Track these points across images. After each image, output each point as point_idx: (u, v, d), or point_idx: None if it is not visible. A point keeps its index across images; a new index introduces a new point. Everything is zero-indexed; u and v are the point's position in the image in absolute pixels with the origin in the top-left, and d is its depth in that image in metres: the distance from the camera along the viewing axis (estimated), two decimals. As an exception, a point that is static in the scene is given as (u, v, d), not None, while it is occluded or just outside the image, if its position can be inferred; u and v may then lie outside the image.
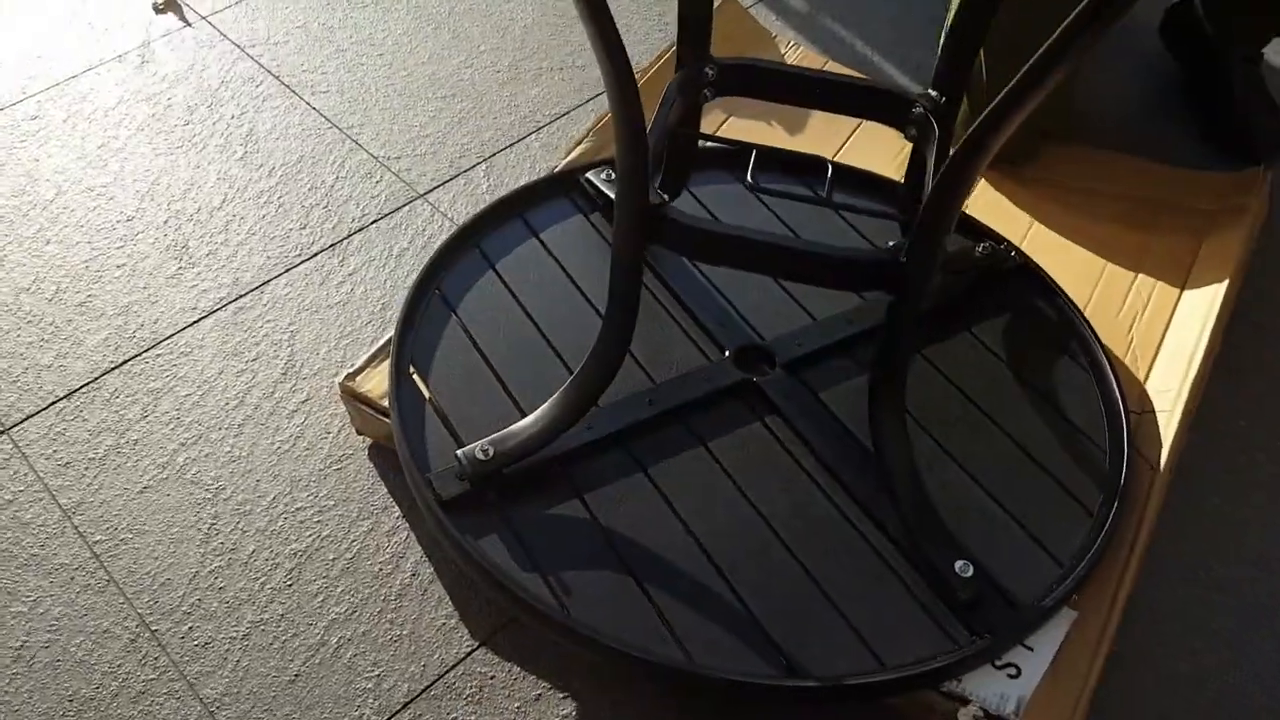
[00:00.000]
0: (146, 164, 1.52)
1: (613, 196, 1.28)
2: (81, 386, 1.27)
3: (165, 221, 1.45)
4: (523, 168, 1.53)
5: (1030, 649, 0.99)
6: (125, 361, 1.30)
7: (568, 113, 1.61)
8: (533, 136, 1.57)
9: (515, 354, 1.17)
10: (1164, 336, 1.27)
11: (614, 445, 1.10)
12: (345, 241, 1.43)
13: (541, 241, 1.29)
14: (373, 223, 1.46)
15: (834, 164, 1.12)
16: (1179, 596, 1.12)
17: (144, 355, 1.30)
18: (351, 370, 1.19)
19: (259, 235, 1.43)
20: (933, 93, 1.14)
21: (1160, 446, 1.16)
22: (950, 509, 1.06)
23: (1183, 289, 1.31)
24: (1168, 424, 1.17)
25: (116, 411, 1.25)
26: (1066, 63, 0.78)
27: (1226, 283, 1.28)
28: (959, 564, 0.99)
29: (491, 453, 1.02)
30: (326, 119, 1.59)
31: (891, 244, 0.94)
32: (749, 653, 0.95)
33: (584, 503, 1.05)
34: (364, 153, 1.55)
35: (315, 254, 1.42)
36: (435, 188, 1.50)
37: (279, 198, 1.48)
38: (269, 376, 1.28)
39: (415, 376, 1.14)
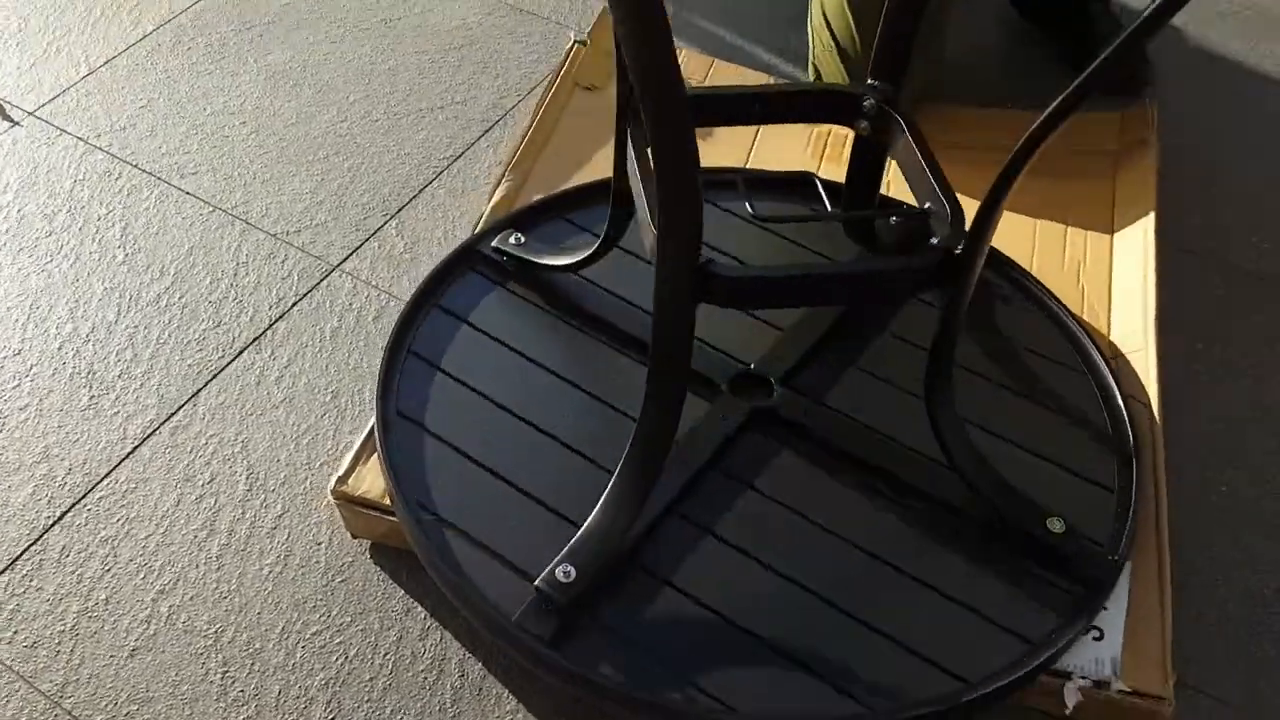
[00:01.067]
0: (17, 287, 1.35)
1: (531, 259, 1.24)
2: (23, 553, 1.13)
3: (59, 349, 1.29)
4: (435, 219, 1.45)
5: (1106, 608, 1.02)
6: (64, 514, 1.16)
7: (463, 153, 1.53)
8: (435, 183, 1.49)
9: (510, 451, 1.10)
10: (1111, 280, 1.33)
11: (666, 516, 1.05)
12: (269, 332, 1.32)
13: (472, 325, 1.21)
14: (293, 306, 1.35)
15: (820, 178, 1.10)
16: (1207, 514, 1.17)
17: (83, 502, 1.16)
18: (340, 475, 1.10)
19: (170, 344, 1.30)
20: (876, 83, 1.14)
21: (1145, 385, 1.21)
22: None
23: (1113, 231, 1.37)
24: (1144, 363, 1.23)
25: (72, 571, 1.11)
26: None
27: (1153, 215, 1.35)
28: (1051, 521, 1.02)
29: (573, 573, 0.96)
30: (206, 202, 1.46)
31: (935, 241, 0.93)
32: (912, 681, 0.95)
33: (672, 585, 1.01)
34: (259, 232, 1.43)
35: (240, 352, 1.30)
36: (348, 256, 1.41)
37: (180, 298, 1.35)
38: (233, 496, 1.17)
39: (428, 513, 1.05)
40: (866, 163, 1.20)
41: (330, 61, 1.66)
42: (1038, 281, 1.29)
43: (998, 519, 1.05)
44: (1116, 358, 1.24)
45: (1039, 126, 0.88)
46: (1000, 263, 1.31)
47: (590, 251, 1.18)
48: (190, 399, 1.25)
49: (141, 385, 1.26)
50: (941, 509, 1.06)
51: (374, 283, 1.38)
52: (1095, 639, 1.00)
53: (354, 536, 1.14)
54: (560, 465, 1.09)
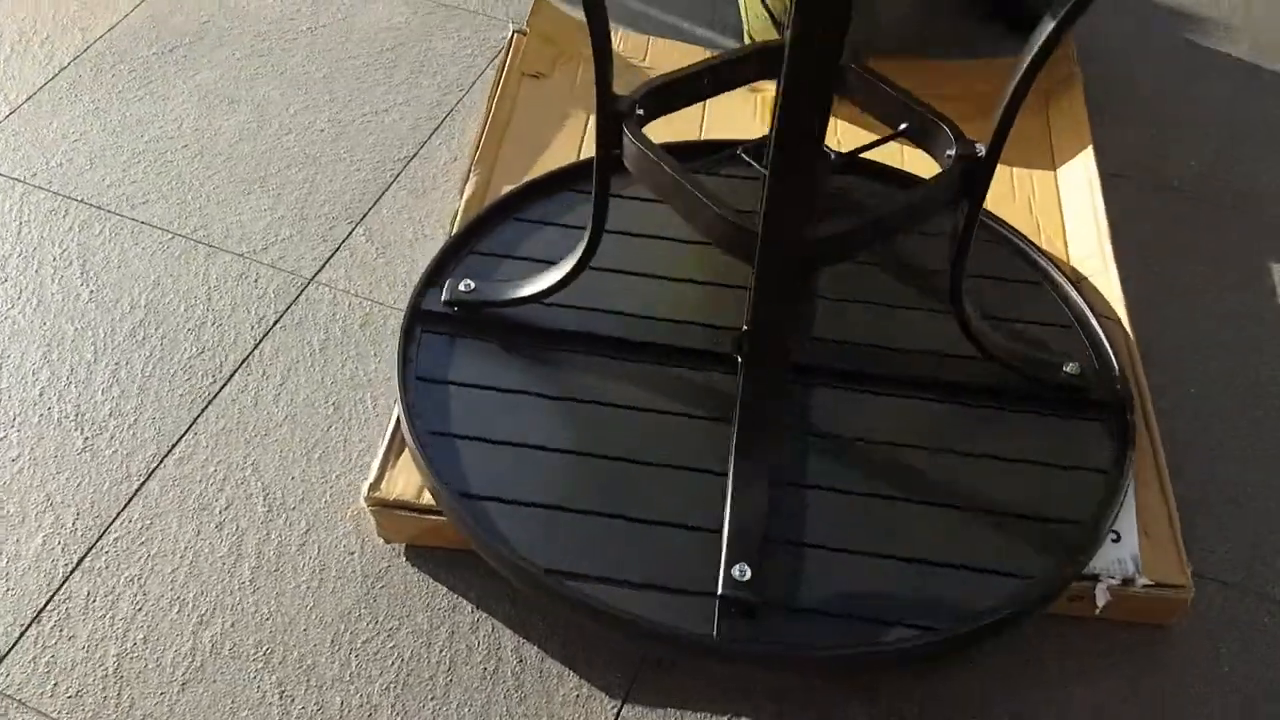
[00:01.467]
0: (-17, 337, 1.31)
1: (491, 298, 1.20)
2: (46, 603, 1.10)
3: (40, 395, 1.26)
4: (402, 221, 1.44)
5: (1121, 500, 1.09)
6: (81, 559, 1.13)
7: (417, 152, 1.53)
8: (395, 185, 1.49)
9: (562, 483, 1.09)
10: (1062, 209, 1.40)
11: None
12: (256, 353, 1.30)
13: (461, 384, 1.16)
14: (275, 324, 1.33)
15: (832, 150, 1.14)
16: (1185, 406, 1.26)
17: (99, 545, 1.14)
18: (371, 481, 1.10)
19: (156, 376, 1.28)
20: None
21: (1112, 304, 1.29)
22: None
23: (1055, 165, 1.45)
24: (1107, 283, 1.31)
25: (103, 615, 1.09)
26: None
27: (1090, 146, 1.43)
28: (1069, 367, 1.15)
29: (748, 571, 0.99)
30: (163, 230, 1.43)
31: (952, 153, 0.98)
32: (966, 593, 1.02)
33: (812, 546, 1.05)
34: (224, 254, 1.40)
35: (230, 376, 1.28)
36: (321, 267, 1.39)
37: (157, 329, 1.32)
38: (254, 519, 1.16)
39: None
40: None
41: (262, 75, 1.63)
42: (997, 217, 1.35)
43: (1031, 379, 1.16)
44: (1081, 281, 1.31)
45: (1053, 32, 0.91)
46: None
47: (566, 273, 1.15)
48: (189, 428, 1.23)
49: (135, 421, 1.24)
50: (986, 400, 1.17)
51: (353, 291, 1.37)
52: (1114, 541, 1.07)
53: (387, 541, 1.15)
54: (611, 475, 1.10)
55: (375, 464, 1.12)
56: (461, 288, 1.20)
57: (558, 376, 1.16)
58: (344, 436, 1.23)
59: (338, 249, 1.42)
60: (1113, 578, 1.04)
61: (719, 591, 0.98)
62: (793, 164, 0.85)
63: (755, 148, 1.31)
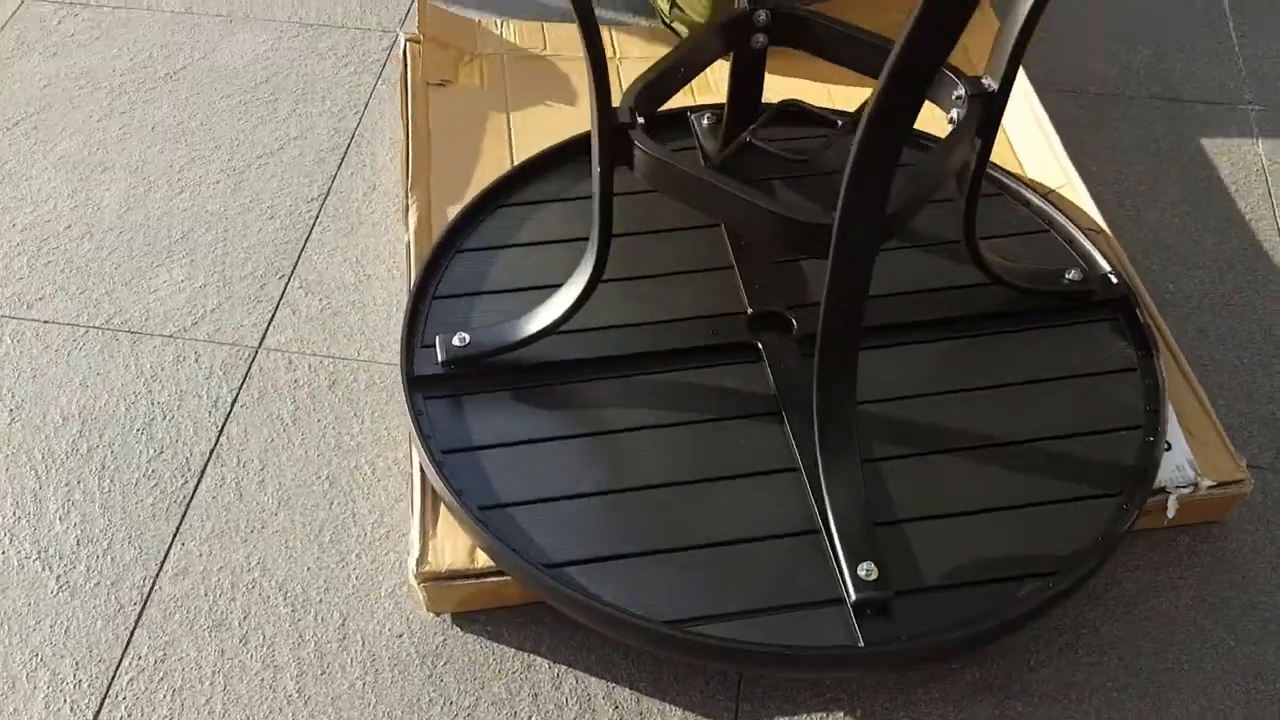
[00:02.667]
0: (-100, 489, 1.14)
1: (492, 347, 1.11)
2: (74, 773, 0.97)
3: (-12, 538, 1.10)
4: (337, 264, 1.33)
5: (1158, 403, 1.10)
6: (96, 713, 0.99)
7: (330, 188, 1.41)
8: (318, 227, 1.36)
9: (605, 528, 1.03)
10: (1008, 134, 1.40)
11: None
12: (222, 440, 1.18)
13: (490, 447, 1.07)
14: (234, 403, 1.21)
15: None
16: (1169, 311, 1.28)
17: (114, 693, 1.01)
18: (417, 557, 1.01)
19: (116, 490, 1.14)
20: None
21: (1084, 212, 1.30)
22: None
23: (987, 85, 1.45)
24: (1074, 194, 1.32)
25: (144, 770, 0.97)
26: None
27: (1020, 70, 1.43)
28: (1070, 274, 1.17)
29: (874, 569, 0.95)
30: (73, 325, 1.27)
31: (962, 94, 0.97)
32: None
33: (908, 520, 1.02)
34: (151, 338, 1.26)
35: (202, 471, 1.15)
36: (265, 332, 1.27)
37: (101, 438, 1.18)
38: (280, 624, 1.05)
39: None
40: (750, 80, 1.20)
41: (131, 134, 1.47)
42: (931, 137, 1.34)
43: (1039, 295, 1.17)
44: (1050, 193, 1.32)
45: None
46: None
47: (574, 301, 1.07)
48: (174, 539, 1.10)
49: (109, 545, 1.10)
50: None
51: (308, 351, 1.25)
52: (1167, 450, 1.08)
53: (436, 614, 1.06)
54: (679, 504, 1.03)
55: (413, 537, 1.03)
56: (456, 342, 1.10)
57: (583, 412, 1.09)
58: (350, 511, 1.13)
59: (276, 309, 1.29)
60: (1180, 487, 1.05)
61: (852, 597, 0.93)
62: (879, 166, 0.81)
63: (720, 117, 1.27)
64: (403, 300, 1.29)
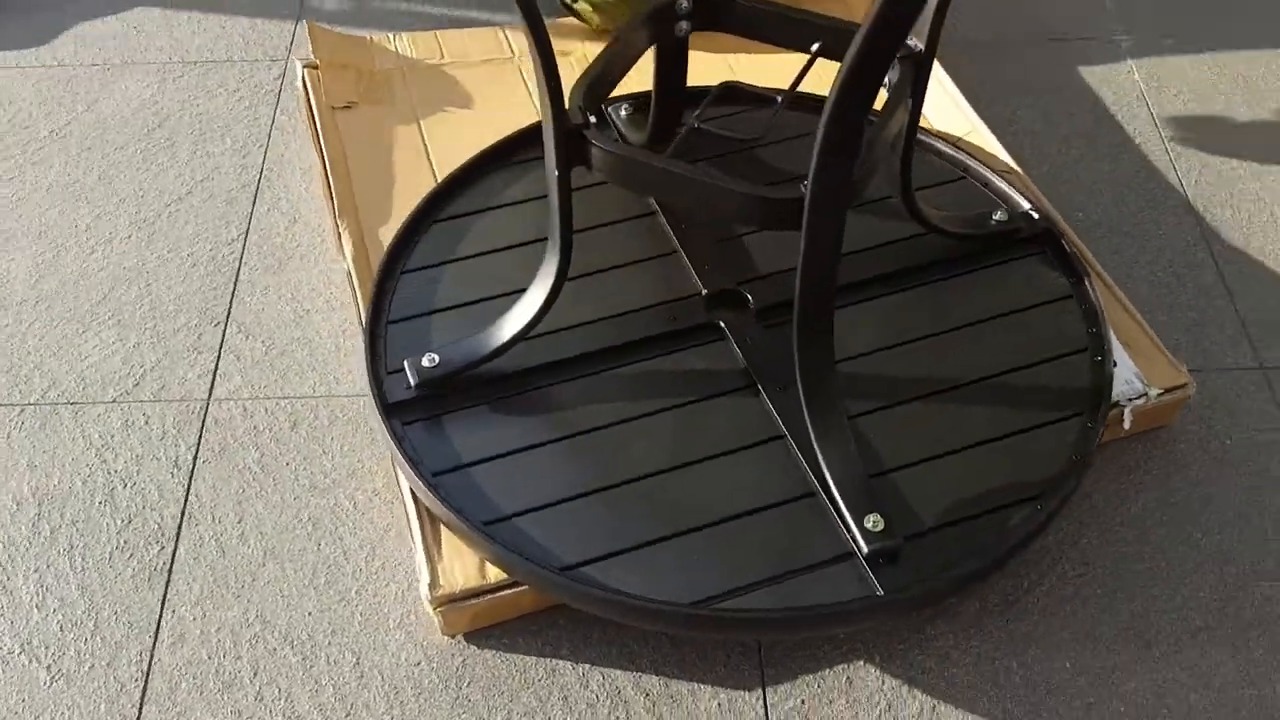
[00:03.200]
0: None
1: (463, 364, 1.10)
2: None
3: (-37, 638, 1.05)
4: (273, 303, 1.30)
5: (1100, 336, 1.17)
6: (121, 797, 0.97)
7: (249, 226, 1.37)
8: (244, 269, 1.33)
9: (606, 524, 1.03)
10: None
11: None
12: (191, 499, 1.14)
13: (480, 462, 1.06)
14: (195, 460, 1.17)
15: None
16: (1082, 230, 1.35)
17: (133, 773, 0.98)
18: (429, 582, 1.00)
19: (90, 567, 1.09)
20: None
21: (994, 155, 1.36)
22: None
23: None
24: (980, 139, 1.38)
25: (184, 845, 0.94)
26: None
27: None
28: (996, 215, 1.24)
29: (881, 520, 0.98)
30: (6, 405, 1.21)
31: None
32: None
33: (894, 469, 1.05)
34: (94, 406, 1.21)
35: (177, 534, 1.12)
36: (212, 382, 1.23)
37: (63, 517, 1.13)
38: (293, 676, 1.03)
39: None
40: (674, 67, 1.23)
41: (25, 199, 1.40)
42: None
43: (971, 239, 1.23)
44: (959, 141, 1.38)
45: None
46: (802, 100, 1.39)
47: (540, 305, 1.08)
48: (163, 607, 1.07)
49: (95, 625, 1.06)
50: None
51: (262, 395, 1.22)
52: (1114, 367, 1.15)
53: (452, 636, 1.05)
54: (676, 489, 1.05)
55: (420, 563, 1.02)
56: (426, 363, 1.09)
57: (563, 414, 1.09)
58: (339, 549, 1.11)
59: (219, 357, 1.26)
60: (1132, 399, 1.12)
61: (864, 550, 0.97)
62: (850, 131, 0.84)
63: (637, 106, 1.28)
64: (349, 330, 1.27)
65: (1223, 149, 1.49)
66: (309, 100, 1.41)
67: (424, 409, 1.10)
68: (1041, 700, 1.02)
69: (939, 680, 1.03)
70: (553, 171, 0.96)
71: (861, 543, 0.97)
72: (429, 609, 1.01)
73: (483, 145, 1.33)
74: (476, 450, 1.06)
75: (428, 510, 1.05)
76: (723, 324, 1.15)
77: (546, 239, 1.25)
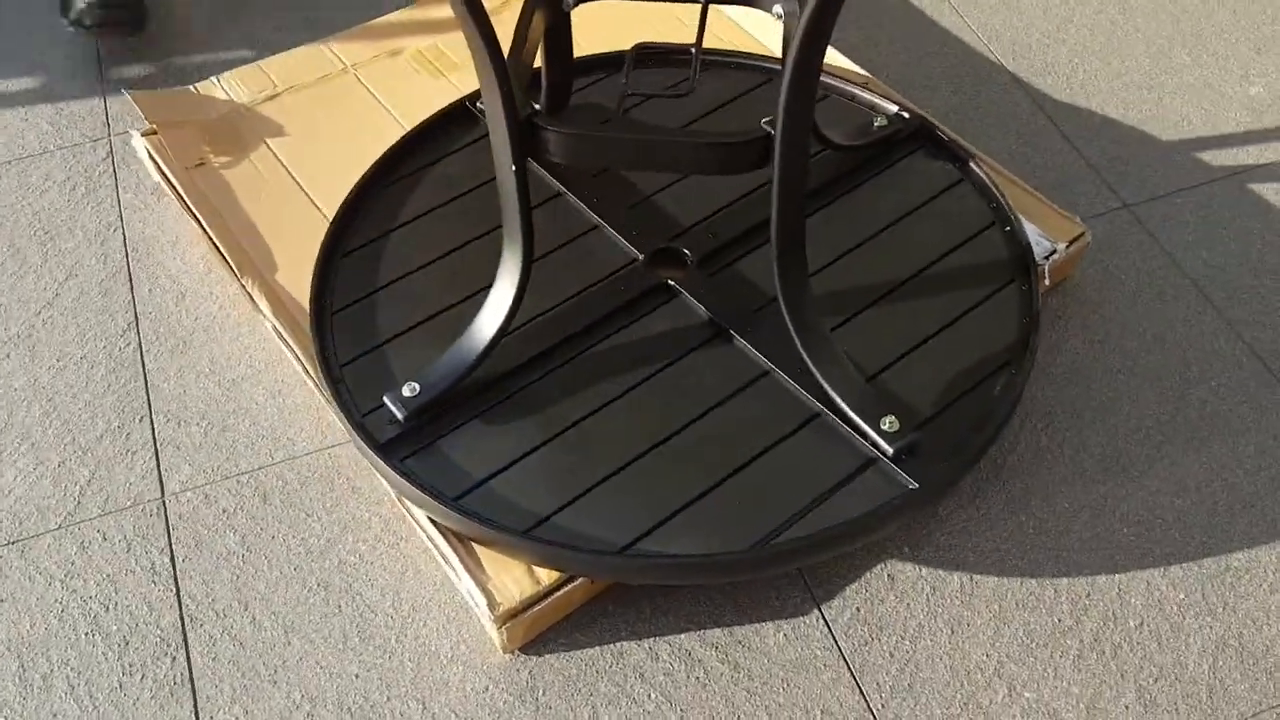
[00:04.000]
0: None
1: (446, 385, 1.08)
2: None
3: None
4: (195, 380, 1.22)
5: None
6: None
7: (136, 312, 1.28)
8: (148, 357, 1.24)
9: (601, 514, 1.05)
10: (739, 23, 1.51)
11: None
12: (186, 603, 1.07)
13: (494, 474, 1.06)
14: (173, 562, 1.10)
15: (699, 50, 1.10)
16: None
17: None
18: (487, 604, 0.98)
19: (102, 699, 1.01)
20: None
21: (845, 69, 1.44)
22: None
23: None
24: (833, 56, 1.45)
25: None
26: None
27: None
28: (877, 121, 1.33)
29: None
30: (-64, 566, 1.09)
31: (780, 10, 1.03)
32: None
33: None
34: (39, 539, 1.11)
35: (184, 642, 1.05)
36: (160, 478, 1.15)
37: (53, 664, 1.03)
38: (361, 739, 0.99)
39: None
40: (562, 41, 1.24)
41: None
42: (764, 56, 1.43)
43: (861, 149, 1.30)
44: (868, 82, 1.43)
45: None
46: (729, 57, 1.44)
47: (510, 306, 1.07)
48: (197, 718, 1.01)
49: (131, 758, 0.99)
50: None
51: (218, 476, 1.16)
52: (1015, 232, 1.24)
53: (511, 653, 1.04)
54: (691, 450, 1.07)
55: (470, 588, 1.00)
56: (408, 393, 1.06)
57: (553, 409, 1.09)
58: (361, 604, 1.07)
59: (156, 452, 1.18)
60: (1045, 257, 1.22)
61: (889, 451, 1.02)
62: (810, 73, 0.87)
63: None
64: (285, 388, 1.22)
65: (1024, 23, 1.62)
66: (160, 168, 1.32)
67: (415, 440, 1.07)
68: (1058, 541, 1.11)
69: (966, 553, 1.10)
70: (508, 166, 0.95)
71: (884, 444, 1.03)
72: (492, 630, 1.00)
73: (350, 163, 1.30)
74: (486, 464, 1.05)
75: (456, 535, 1.03)
76: (672, 282, 1.18)
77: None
